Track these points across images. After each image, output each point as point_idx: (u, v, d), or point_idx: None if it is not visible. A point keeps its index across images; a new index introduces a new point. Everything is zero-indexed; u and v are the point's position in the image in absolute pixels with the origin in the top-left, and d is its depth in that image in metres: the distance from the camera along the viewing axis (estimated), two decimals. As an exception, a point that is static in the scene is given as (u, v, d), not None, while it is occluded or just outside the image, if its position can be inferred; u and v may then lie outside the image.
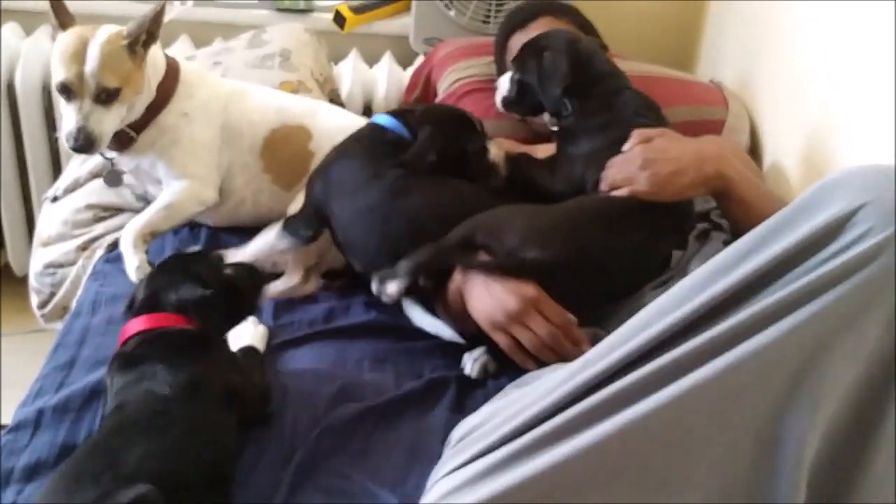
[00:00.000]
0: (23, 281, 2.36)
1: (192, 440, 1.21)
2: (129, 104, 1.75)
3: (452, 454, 1.24)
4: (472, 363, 1.56)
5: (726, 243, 1.58)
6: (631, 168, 1.55)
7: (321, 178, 1.72)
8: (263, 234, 1.79)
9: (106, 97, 1.69)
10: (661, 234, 1.57)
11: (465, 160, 1.72)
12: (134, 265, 1.77)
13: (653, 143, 1.58)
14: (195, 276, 1.40)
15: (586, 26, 2.09)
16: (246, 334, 1.55)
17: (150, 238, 1.85)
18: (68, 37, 1.71)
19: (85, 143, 1.68)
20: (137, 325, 1.35)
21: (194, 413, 1.24)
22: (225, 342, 1.44)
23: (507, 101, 1.87)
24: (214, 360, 1.34)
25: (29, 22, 2.41)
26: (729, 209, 1.64)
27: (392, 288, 1.53)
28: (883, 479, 1.04)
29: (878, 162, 1.08)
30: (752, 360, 1.00)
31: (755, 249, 1.05)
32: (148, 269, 1.75)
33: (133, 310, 1.39)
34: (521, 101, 1.84)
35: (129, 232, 1.82)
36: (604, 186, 1.57)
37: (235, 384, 1.34)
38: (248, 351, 1.51)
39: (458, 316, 1.56)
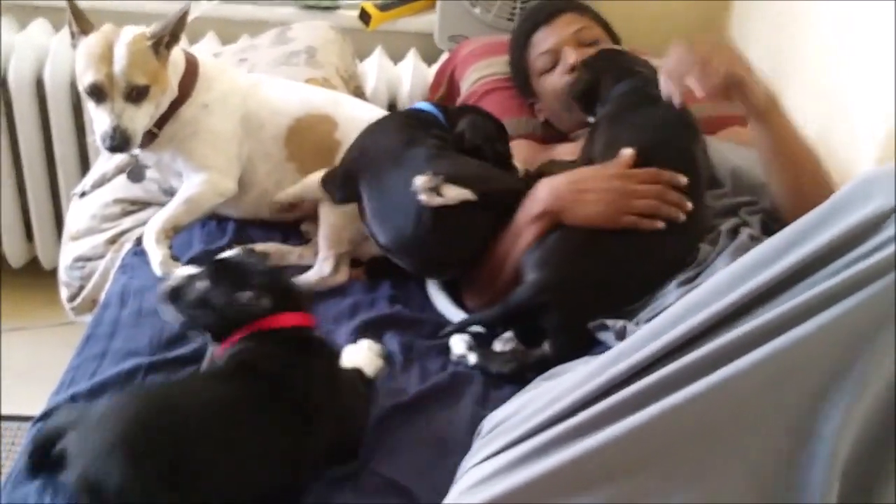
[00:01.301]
0: (51, 274, 2.38)
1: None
2: (157, 102, 1.76)
3: (483, 444, 1.25)
4: (502, 344, 1.59)
5: (752, 238, 1.58)
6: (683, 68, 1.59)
7: (358, 147, 1.76)
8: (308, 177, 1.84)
9: (136, 95, 1.70)
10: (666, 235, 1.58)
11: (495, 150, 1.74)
12: (158, 260, 1.77)
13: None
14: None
15: (607, 26, 2.12)
16: (358, 357, 1.49)
17: (173, 233, 1.85)
18: (92, 40, 1.71)
19: (121, 141, 1.69)
20: (297, 318, 1.35)
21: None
22: None
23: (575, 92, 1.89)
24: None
25: (59, 19, 2.42)
26: (769, 134, 1.67)
27: (452, 192, 1.55)
28: None
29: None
30: (788, 353, 1.00)
31: (794, 244, 1.05)
32: (172, 263, 1.76)
33: (272, 304, 1.34)
34: (585, 94, 1.85)
35: (151, 229, 1.82)
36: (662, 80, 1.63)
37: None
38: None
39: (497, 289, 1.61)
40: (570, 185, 1.59)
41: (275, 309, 1.31)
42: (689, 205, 1.56)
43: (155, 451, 1.15)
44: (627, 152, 1.60)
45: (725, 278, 1.09)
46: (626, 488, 1.06)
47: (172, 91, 1.81)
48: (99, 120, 1.71)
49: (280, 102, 1.93)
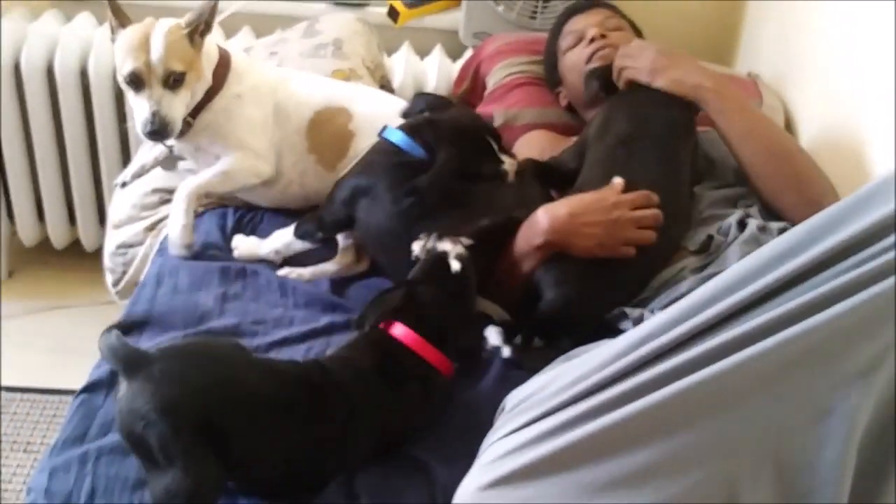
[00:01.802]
0: (92, 256, 2.42)
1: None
2: (192, 90, 1.79)
3: (507, 420, 1.26)
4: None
5: (760, 229, 1.61)
6: (641, 56, 1.80)
7: (345, 195, 1.74)
8: (282, 232, 1.83)
9: (174, 82, 1.73)
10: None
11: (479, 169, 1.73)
12: (180, 223, 1.81)
13: (665, 50, 1.81)
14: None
15: (634, 27, 2.17)
16: None
17: (205, 199, 1.90)
18: (129, 32, 1.75)
19: (161, 127, 1.72)
20: (418, 345, 1.39)
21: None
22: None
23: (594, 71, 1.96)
24: (420, 413, 1.40)
25: (103, 12, 2.44)
26: (711, 115, 1.77)
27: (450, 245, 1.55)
28: None
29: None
30: (810, 335, 1.01)
31: (820, 235, 1.06)
32: (189, 235, 1.81)
33: (411, 317, 1.41)
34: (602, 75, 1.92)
35: (185, 188, 1.85)
36: (616, 64, 1.84)
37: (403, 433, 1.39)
38: None
39: (515, 282, 1.63)
40: (570, 218, 1.57)
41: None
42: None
43: (198, 402, 1.18)
44: (618, 181, 1.61)
45: (751, 266, 1.10)
46: (651, 459, 1.07)
47: (207, 80, 1.84)
48: (138, 108, 1.74)
49: (304, 96, 1.97)
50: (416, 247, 1.55)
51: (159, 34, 1.73)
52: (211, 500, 1.16)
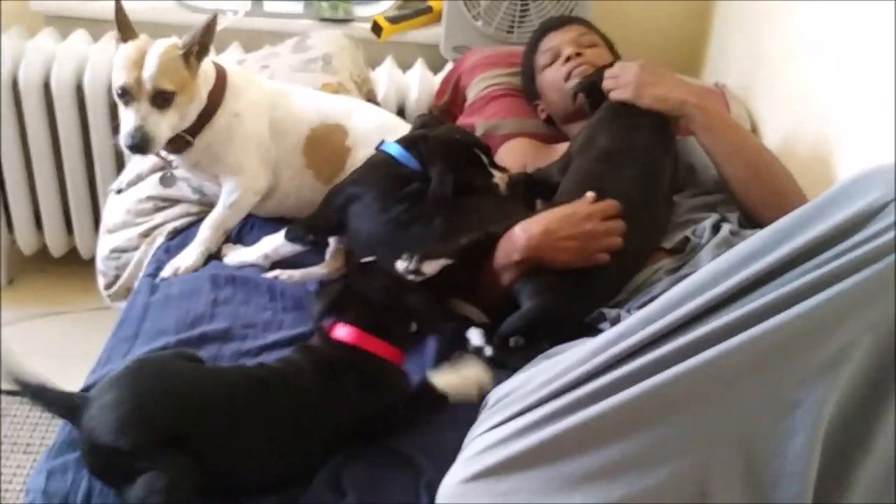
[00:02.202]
0: (89, 263, 2.41)
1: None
2: (183, 112, 1.76)
3: (489, 415, 1.27)
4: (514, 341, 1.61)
5: (732, 233, 1.62)
6: (625, 74, 1.78)
7: (339, 202, 1.75)
8: (271, 238, 1.83)
9: (162, 101, 1.70)
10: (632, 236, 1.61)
11: (470, 182, 1.74)
12: (191, 261, 1.83)
13: (649, 67, 1.79)
14: (409, 311, 1.44)
15: (608, 43, 2.17)
16: (454, 380, 1.44)
17: (224, 237, 1.90)
18: (128, 47, 1.73)
19: (141, 141, 1.69)
20: (353, 336, 1.38)
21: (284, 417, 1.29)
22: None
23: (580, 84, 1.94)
24: (377, 402, 1.37)
25: (98, 30, 2.46)
26: (697, 135, 1.78)
27: (431, 267, 1.56)
28: (893, 442, 1.05)
29: (876, 162, 1.10)
30: (778, 331, 1.02)
31: (788, 236, 1.07)
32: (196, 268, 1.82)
33: (350, 313, 1.41)
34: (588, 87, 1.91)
35: (205, 236, 1.87)
36: (605, 84, 1.81)
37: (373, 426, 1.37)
38: (425, 397, 1.41)
39: (492, 294, 1.63)
40: (546, 234, 1.57)
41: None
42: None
43: (157, 415, 1.20)
44: (590, 195, 1.61)
45: (721, 266, 1.11)
46: (625, 452, 1.08)
47: (201, 101, 1.81)
48: (125, 120, 1.72)
49: (300, 113, 1.95)
50: (400, 266, 1.55)
51: (154, 53, 1.71)
52: (188, 492, 1.16)
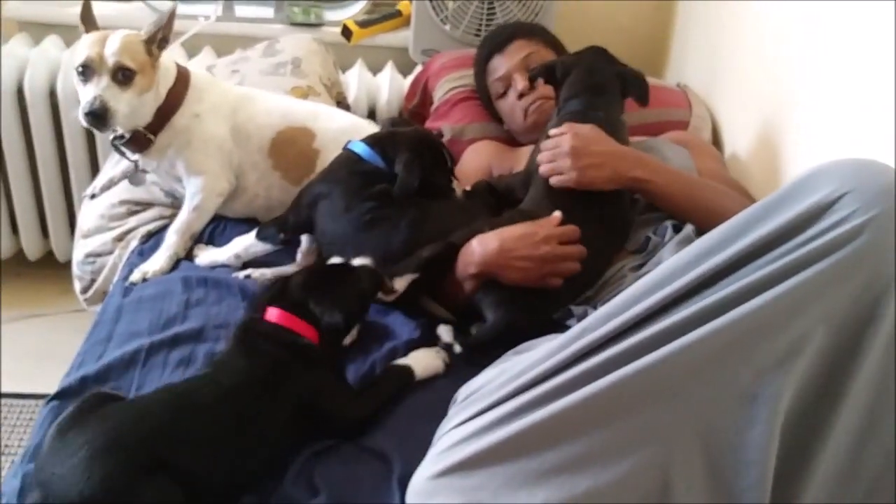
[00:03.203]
0: (65, 267, 2.39)
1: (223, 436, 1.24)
2: (142, 98, 1.76)
3: (458, 410, 1.26)
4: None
5: (695, 231, 1.61)
6: (559, 157, 1.63)
7: (307, 200, 1.74)
8: (242, 238, 1.81)
9: (123, 78, 1.70)
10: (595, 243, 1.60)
11: (432, 184, 1.73)
12: (159, 266, 1.80)
13: (582, 133, 1.65)
14: (342, 298, 1.42)
15: (556, 44, 2.13)
16: (419, 356, 1.49)
17: (191, 241, 1.89)
18: (91, 34, 1.75)
19: (101, 109, 1.68)
20: (281, 317, 1.38)
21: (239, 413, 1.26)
22: (336, 356, 1.44)
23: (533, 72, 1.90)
24: (310, 378, 1.34)
25: (70, 35, 2.43)
26: (652, 201, 1.70)
27: (401, 284, 1.56)
28: (849, 431, 1.05)
29: (830, 159, 1.10)
30: (736, 325, 1.02)
31: (743, 231, 1.07)
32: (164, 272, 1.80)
33: (281, 298, 1.40)
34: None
35: (172, 241, 1.85)
36: (542, 170, 1.66)
37: (319, 405, 1.34)
38: (390, 374, 1.46)
39: (460, 296, 1.61)
40: (501, 251, 1.55)
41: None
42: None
43: (118, 459, 1.15)
44: (556, 216, 1.59)
45: (680, 262, 1.11)
46: (589, 446, 1.08)
47: (159, 96, 1.81)
48: (84, 94, 1.71)
49: (264, 116, 1.94)
50: None
51: (118, 35, 1.73)
52: None
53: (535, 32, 2.13)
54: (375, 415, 1.39)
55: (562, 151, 1.63)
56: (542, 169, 1.65)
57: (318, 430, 1.35)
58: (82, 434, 1.17)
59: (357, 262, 1.42)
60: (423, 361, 1.47)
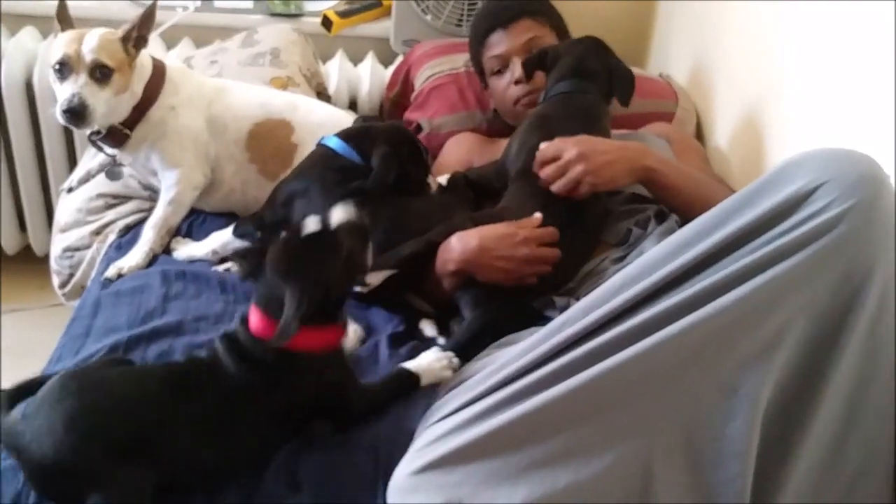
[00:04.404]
0: (43, 261, 2.37)
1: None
2: (119, 97, 1.75)
3: (440, 405, 1.27)
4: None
5: (677, 222, 1.60)
6: (570, 167, 1.57)
7: (283, 197, 1.72)
8: (220, 233, 1.80)
9: (100, 75, 1.70)
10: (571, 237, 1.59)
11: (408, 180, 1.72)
12: (135, 262, 1.79)
13: (580, 139, 1.61)
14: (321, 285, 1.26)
15: (560, 27, 2.08)
16: (428, 365, 1.43)
17: (169, 236, 1.87)
18: (67, 32, 1.74)
19: (79, 106, 1.67)
20: (265, 328, 1.25)
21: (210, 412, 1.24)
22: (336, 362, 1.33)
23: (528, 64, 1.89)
24: (294, 385, 1.27)
25: (47, 26, 2.39)
26: (658, 194, 1.67)
27: (376, 279, 1.55)
28: (830, 422, 1.06)
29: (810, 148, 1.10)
30: (715, 318, 1.02)
31: (722, 222, 1.07)
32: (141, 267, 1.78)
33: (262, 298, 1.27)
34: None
35: (149, 236, 1.83)
36: (554, 188, 1.59)
37: (328, 400, 1.31)
38: (398, 378, 1.41)
39: (441, 291, 1.60)
40: (480, 250, 1.53)
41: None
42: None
43: (99, 429, 1.15)
44: (537, 217, 1.57)
45: (658, 254, 1.11)
46: (570, 441, 1.08)
47: (135, 94, 1.80)
48: (62, 92, 1.70)
49: (241, 108, 1.93)
50: None
51: (94, 33, 1.72)
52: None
53: (542, 12, 2.06)
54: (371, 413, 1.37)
55: (570, 160, 1.58)
56: (556, 186, 1.59)
57: (309, 421, 1.32)
58: (61, 406, 1.16)
59: (336, 217, 1.32)
60: (431, 372, 1.42)
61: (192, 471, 1.22)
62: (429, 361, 1.43)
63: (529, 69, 1.88)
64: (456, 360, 1.44)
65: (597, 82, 1.78)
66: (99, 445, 1.13)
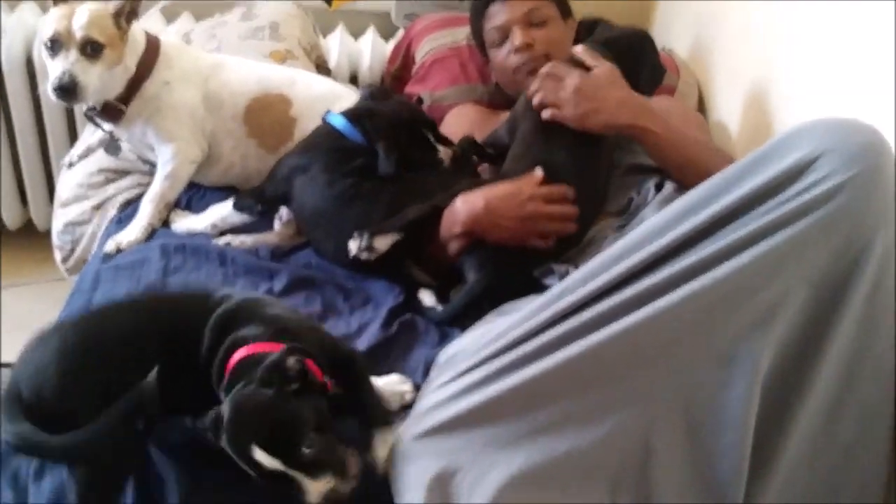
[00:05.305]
0: (45, 235, 2.37)
1: None
2: (111, 72, 1.74)
3: (439, 373, 1.27)
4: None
5: (676, 190, 1.59)
6: (562, 92, 1.60)
7: (285, 173, 1.72)
8: (219, 207, 1.80)
9: (91, 51, 1.68)
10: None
11: (415, 159, 1.71)
12: (133, 237, 1.78)
13: (592, 75, 1.62)
14: None
15: (561, 0, 2.04)
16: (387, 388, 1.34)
17: (167, 211, 1.86)
18: (58, 7, 1.72)
19: (70, 83, 1.66)
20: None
21: None
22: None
23: None
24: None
25: (46, 2, 2.39)
26: (655, 153, 1.67)
27: (383, 243, 1.55)
28: (828, 390, 1.06)
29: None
30: (714, 287, 1.02)
31: (722, 191, 1.07)
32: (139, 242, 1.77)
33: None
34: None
35: (147, 211, 1.83)
36: (535, 99, 1.62)
37: None
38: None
39: (444, 258, 1.61)
40: (486, 210, 1.53)
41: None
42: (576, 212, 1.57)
43: (85, 370, 1.15)
44: (538, 173, 1.57)
45: (658, 223, 1.11)
46: (569, 408, 1.08)
47: (129, 69, 1.79)
48: (53, 68, 1.69)
49: (238, 83, 1.92)
50: (353, 245, 1.55)
51: (85, 7, 1.71)
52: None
53: None
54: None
55: (566, 86, 1.61)
56: (537, 98, 1.62)
57: None
58: (64, 335, 1.18)
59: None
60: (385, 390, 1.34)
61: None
62: (384, 384, 1.35)
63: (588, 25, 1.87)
64: (410, 388, 1.35)
65: (623, 65, 1.73)
66: (83, 388, 1.13)
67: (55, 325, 1.25)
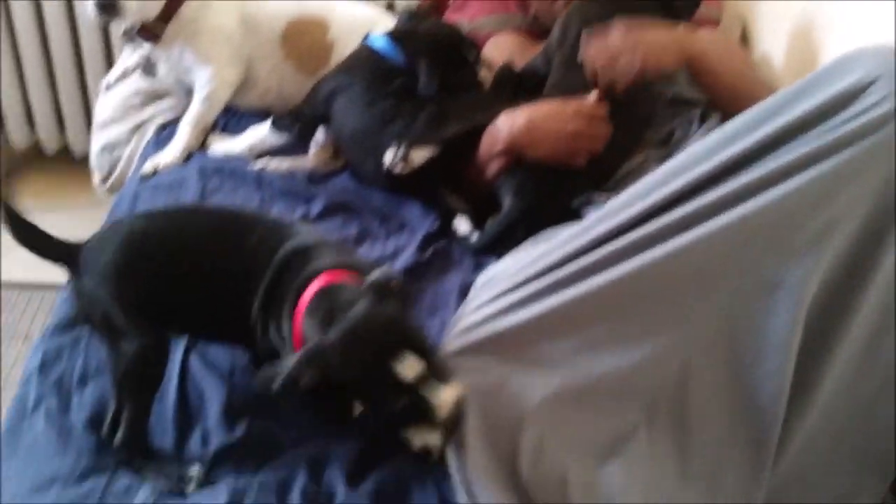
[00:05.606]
0: (81, 163, 2.38)
1: None
2: None
3: (477, 293, 1.27)
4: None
5: (721, 121, 1.56)
6: (614, 53, 1.52)
7: (324, 93, 1.71)
8: (256, 129, 1.80)
9: None
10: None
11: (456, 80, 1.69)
12: (172, 157, 1.79)
13: (626, 29, 1.55)
14: None
15: None
16: None
17: (204, 135, 1.86)
18: None
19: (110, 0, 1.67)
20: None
21: None
22: None
23: None
24: None
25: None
26: (703, 81, 1.61)
27: (419, 155, 1.54)
28: (871, 317, 1.05)
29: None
30: (762, 213, 1.01)
31: (771, 116, 1.05)
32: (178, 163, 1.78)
33: None
34: None
35: (184, 133, 1.83)
36: (590, 69, 1.55)
37: None
38: None
39: (481, 182, 1.59)
40: (528, 127, 1.52)
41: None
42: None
43: (134, 273, 1.14)
44: (593, 97, 1.54)
45: (704, 147, 1.09)
46: (610, 330, 1.08)
47: None
48: None
49: (276, 7, 1.92)
50: (388, 155, 1.54)
51: None
52: (158, 359, 1.14)
53: None
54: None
55: (618, 50, 1.52)
56: (600, 72, 1.54)
57: None
58: (121, 240, 1.17)
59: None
60: None
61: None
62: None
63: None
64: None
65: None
66: (125, 300, 1.13)
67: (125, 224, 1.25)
